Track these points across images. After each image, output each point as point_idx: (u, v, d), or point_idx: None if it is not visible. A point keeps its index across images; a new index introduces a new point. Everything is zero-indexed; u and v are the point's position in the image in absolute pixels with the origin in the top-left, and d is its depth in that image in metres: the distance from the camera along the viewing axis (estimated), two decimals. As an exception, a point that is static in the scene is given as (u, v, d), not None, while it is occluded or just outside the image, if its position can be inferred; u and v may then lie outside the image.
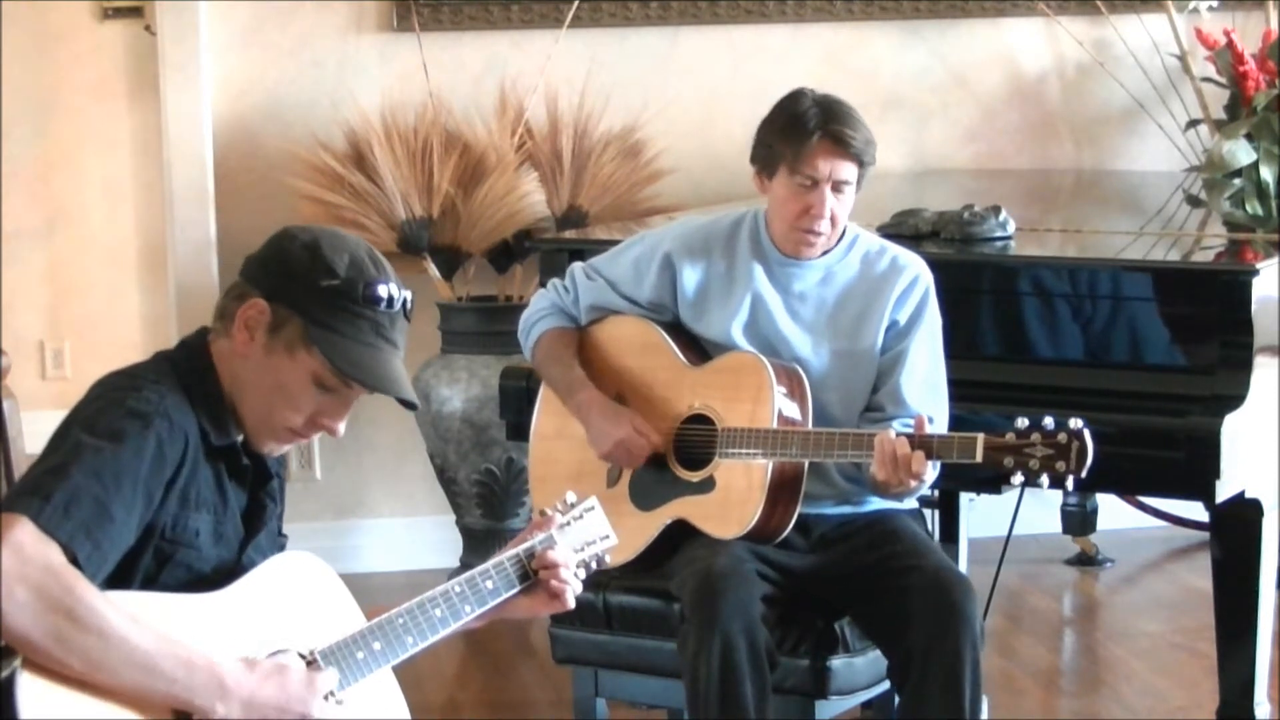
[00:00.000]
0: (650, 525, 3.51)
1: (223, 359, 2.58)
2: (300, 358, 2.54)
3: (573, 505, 2.85)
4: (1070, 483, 3.17)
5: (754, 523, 3.39)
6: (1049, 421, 3.15)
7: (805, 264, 3.53)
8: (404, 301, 2.60)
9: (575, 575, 2.78)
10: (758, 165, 3.52)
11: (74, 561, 2.32)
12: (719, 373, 3.52)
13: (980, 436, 3.21)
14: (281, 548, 2.68)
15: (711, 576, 3.31)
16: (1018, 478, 3.18)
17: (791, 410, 3.43)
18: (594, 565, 2.84)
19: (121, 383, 2.52)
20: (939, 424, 3.44)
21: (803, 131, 3.43)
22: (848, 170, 3.43)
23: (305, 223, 5.12)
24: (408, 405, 2.64)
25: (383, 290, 2.56)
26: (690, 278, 3.58)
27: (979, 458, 3.20)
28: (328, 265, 2.55)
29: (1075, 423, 3.14)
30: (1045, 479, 3.17)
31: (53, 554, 2.30)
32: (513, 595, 2.73)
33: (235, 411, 2.58)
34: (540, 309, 3.73)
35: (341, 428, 2.62)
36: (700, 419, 3.51)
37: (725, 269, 3.57)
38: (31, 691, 2.29)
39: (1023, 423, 3.17)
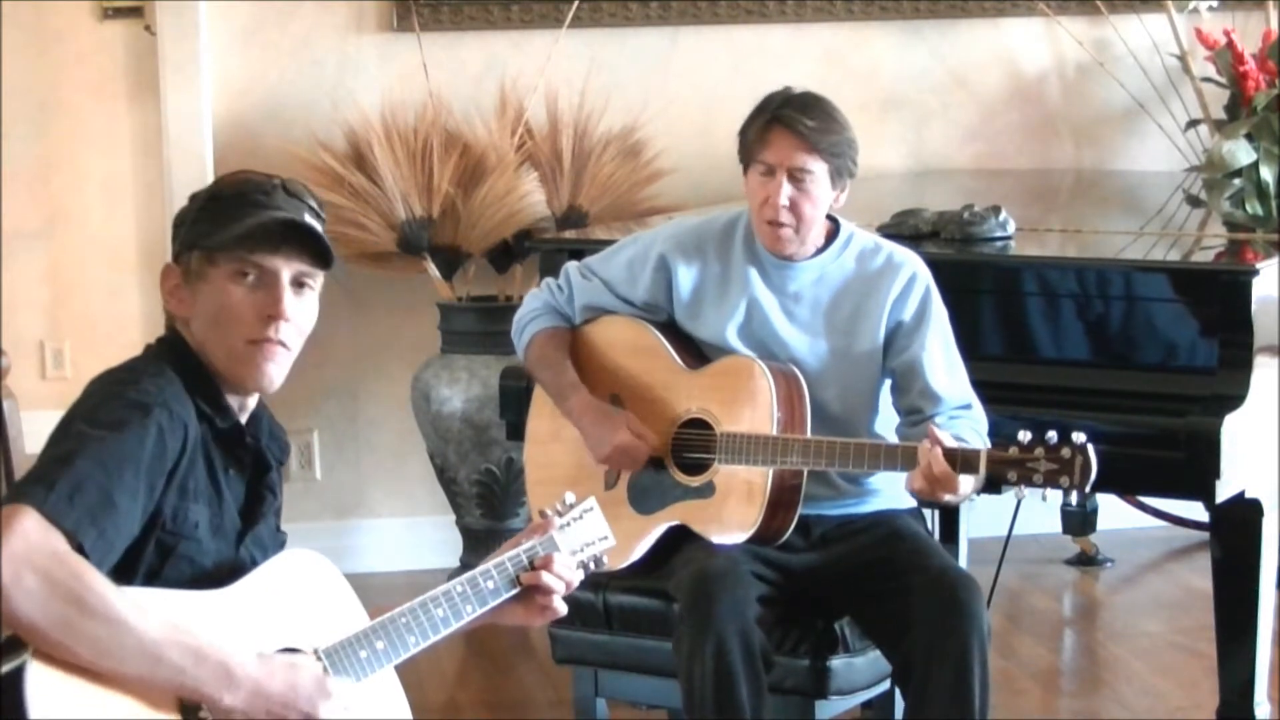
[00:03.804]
0: (649, 529, 3.50)
1: (192, 339, 2.60)
2: (213, 274, 2.57)
3: (571, 506, 2.85)
4: (1074, 498, 3.17)
5: (754, 530, 3.39)
6: (1053, 435, 3.11)
7: (799, 264, 3.52)
8: (280, 182, 2.61)
9: (575, 575, 2.79)
10: (741, 164, 3.52)
11: (79, 550, 2.32)
12: (716, 376, 3.51)
13: (984, 450, 3.19)
14: (281, 545, 2.69)
15: (705, 578, 3.31)
16: (1021, 492, 3.16)
17: (790, 415, 3.43)
18: (592, 566, 2.85)
19: (120, 376, 2.54)
20: (977, 408, 3.45)
21: (758, 118, 3.44)
22: (804, 158, 3.40)
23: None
24: (320, 253, 2.60)
25: (245, 181, 2.59)
26: (685, 279, 3.58)
27: (982, 472, 3.18)
28: (197, 195, 2.61)
29: (1079, 437, 3.10)
30: (1048, 494, 3.16)
31: (59, 542, 2.31)
32: (511, 596, 2.73)
33: (224, 391, 2.60)
34: (533, 309, 3.72)
35: (288, 309, 2.58)
36: (698, 423, 3.51)
37: (720, 271, 3.57)
38: (41, 683, 2.29)
39: (1026, 436, 3.12)
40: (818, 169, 3.41)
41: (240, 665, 2.40)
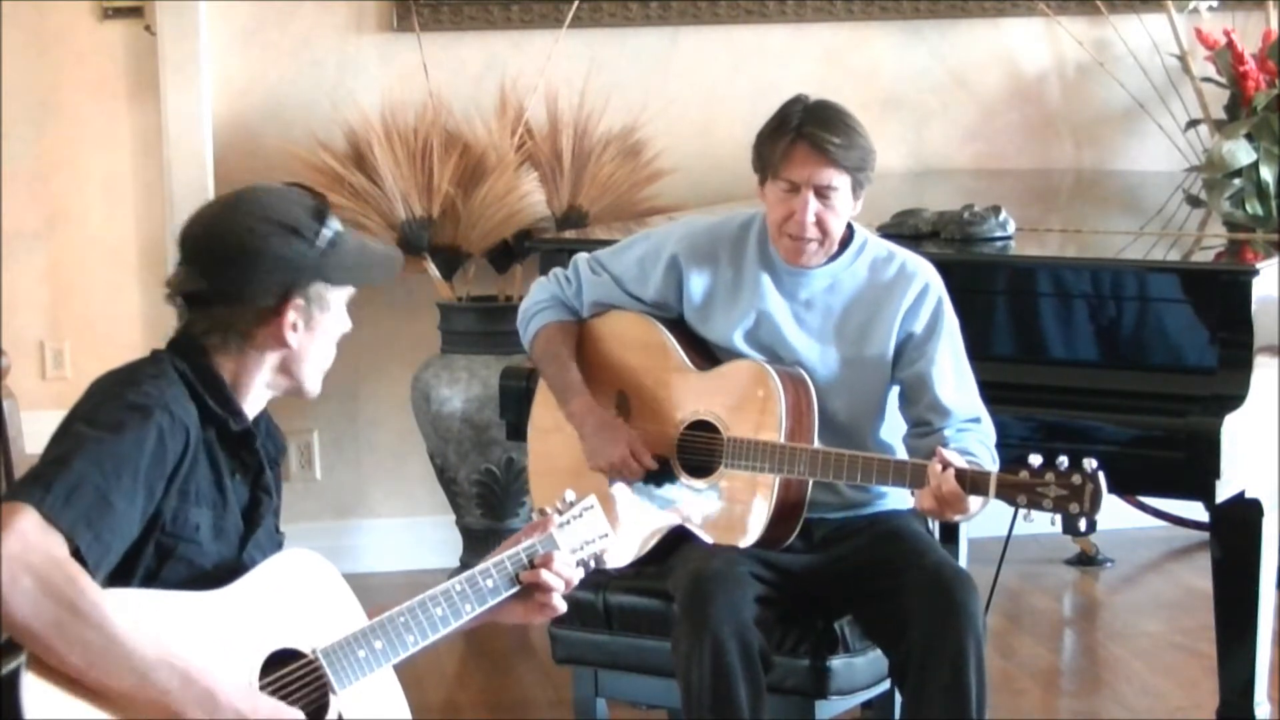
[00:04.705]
0: (651, 528, 3.50)
1: (240, 362, 2.60)
2: (337, 304, 2.68)
3: (571, 504, 2.85)
4: (1083, 525, 3.16)
5: (757, 537, 3.39)
6: (1063, 460, 3.09)
7: (812, 271, 3.50)
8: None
9: (574, 573, 2.79)
10: (756, 172, 3.50)
11: (75, 552, 2.33)
12: (725, 379, 3.49)
13: (994, 474, 3.18)
14: (279, 545, 2.69)
15: (702, 579, 3.30)
16: (1029, 516, 3.16)
17: (797, 422, 3.41)
18: (592, 564, 2.84)
19: (121, 378, 2.54)
20: (985, 421, 3.45)
21: (783, 135, 3.40)
22: (829, 175, 3.38)
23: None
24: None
25: (337, 223, 2.67)
26: (697, 283, 3.56)
27: (992, 495, 3.17)
28: (301, 230, 2.60)
29: (1090, 464, 3.08)
30: (1057, 519, 3.15)
31: (56, 544, 2.31)
32: (511, 595, 2.73)
33: (238, 397, 2.61)
34: (540, 300, 3.70)
35: None
36: (704, 425, 3.50)
37: (732, 276, 3.55)
38: (35, 689, 2.29)
39: (1036, 460, 3.11)
40: (842, 184, 3.39)
41: (226, 694, 2.40)
